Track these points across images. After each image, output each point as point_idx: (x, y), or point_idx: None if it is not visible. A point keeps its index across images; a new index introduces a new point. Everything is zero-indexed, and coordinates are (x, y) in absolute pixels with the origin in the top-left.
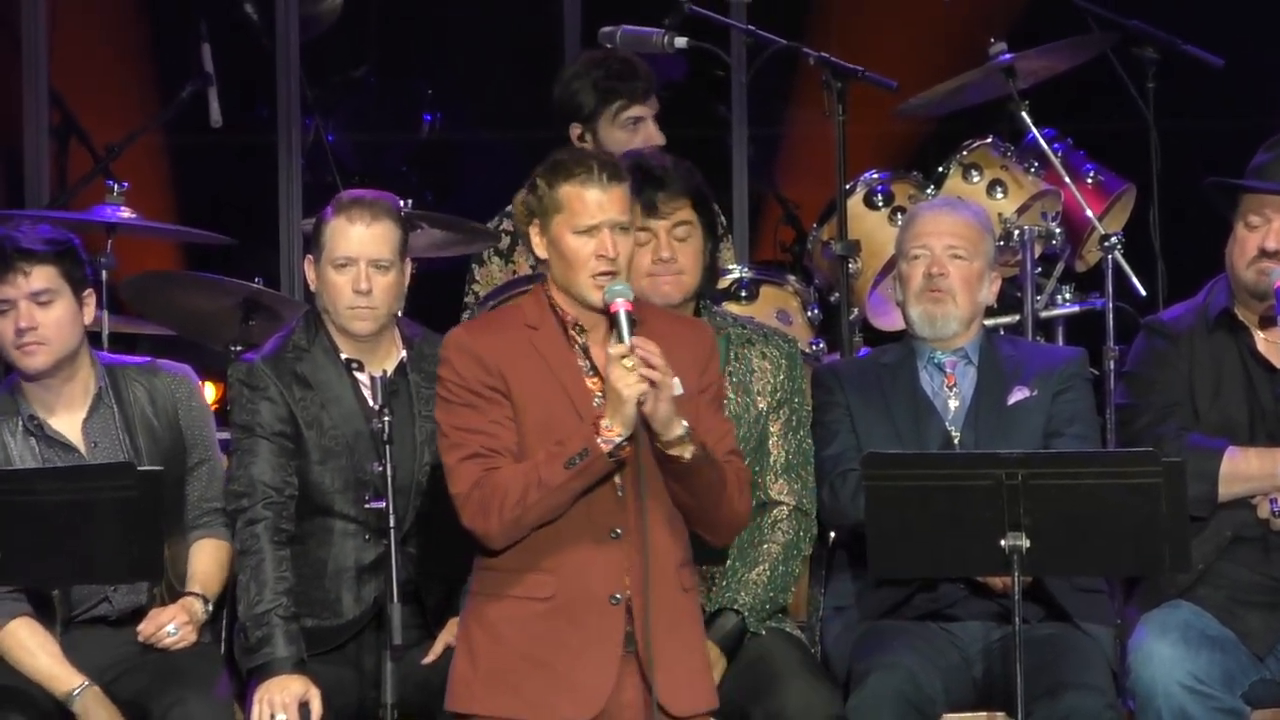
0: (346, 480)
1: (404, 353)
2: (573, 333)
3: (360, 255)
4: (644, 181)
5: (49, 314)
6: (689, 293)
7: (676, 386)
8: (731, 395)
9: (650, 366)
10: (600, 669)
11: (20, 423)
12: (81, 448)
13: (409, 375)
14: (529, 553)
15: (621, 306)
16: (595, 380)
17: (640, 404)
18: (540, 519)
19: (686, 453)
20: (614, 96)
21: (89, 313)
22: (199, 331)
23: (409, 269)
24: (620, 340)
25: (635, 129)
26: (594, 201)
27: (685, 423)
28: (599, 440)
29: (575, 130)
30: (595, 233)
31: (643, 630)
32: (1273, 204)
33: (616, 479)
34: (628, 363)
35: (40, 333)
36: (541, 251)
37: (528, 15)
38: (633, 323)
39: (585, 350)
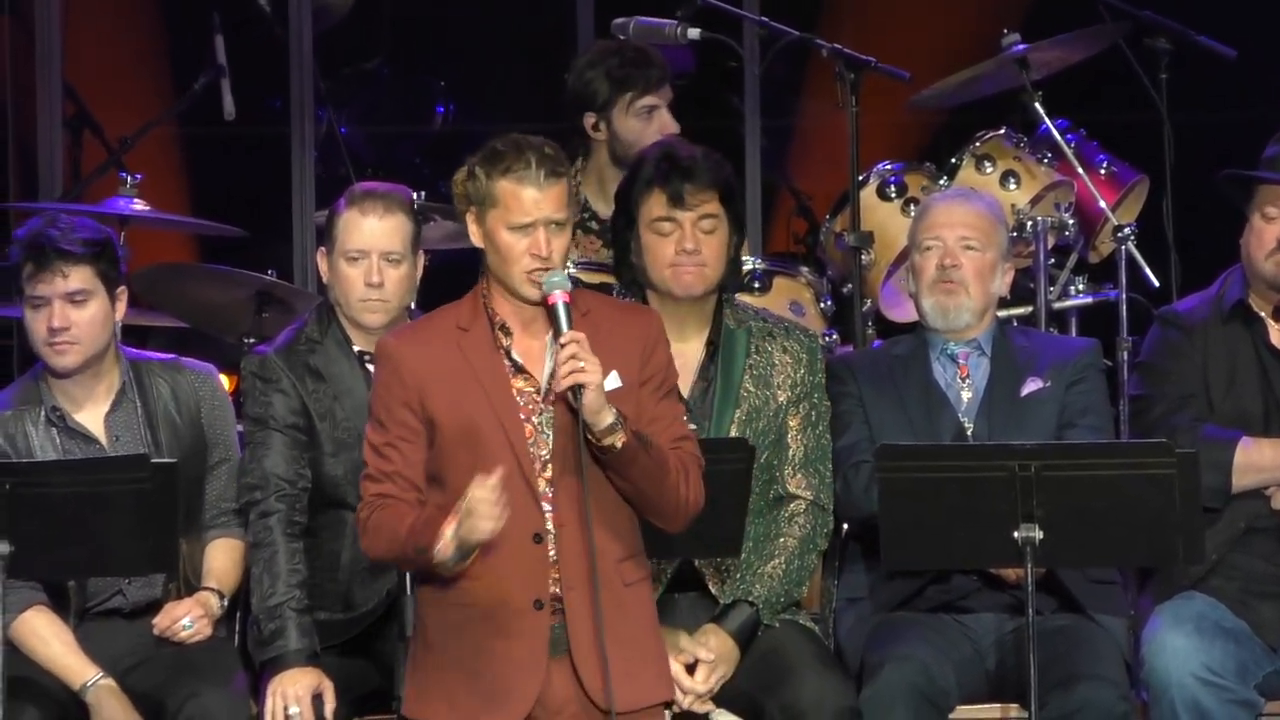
0: (359, 472)
1: None
2: (499, 334)
3: (372, 248)
4: (671, 172)
5: (82, 313)
6: (711, 285)
7: (614, 380)
8: (751, 388)
9: (579, 359)
10: (525, 675)
11: (43, 413)
12: (103, 440)
13: None
14: None
15: (560, 298)
16: (519, 380)
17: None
18: (414, 570)
19: (618, 441)
20: (628, 85)
21: (120, 309)
22: (212, 324)
23: (421, 262)
24: (560, 332)
25: (649, 118)
26: (530, 199)
27: (615, 411)
28: (435, 550)
29: (589, 119)
30: (530, 230)
31: (594, 630)
32: None
33: (543, 481)
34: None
35: (73, 332)
36: (477, 241)
37: (541, 7)
38: (570, 313)
39: (508, 352)
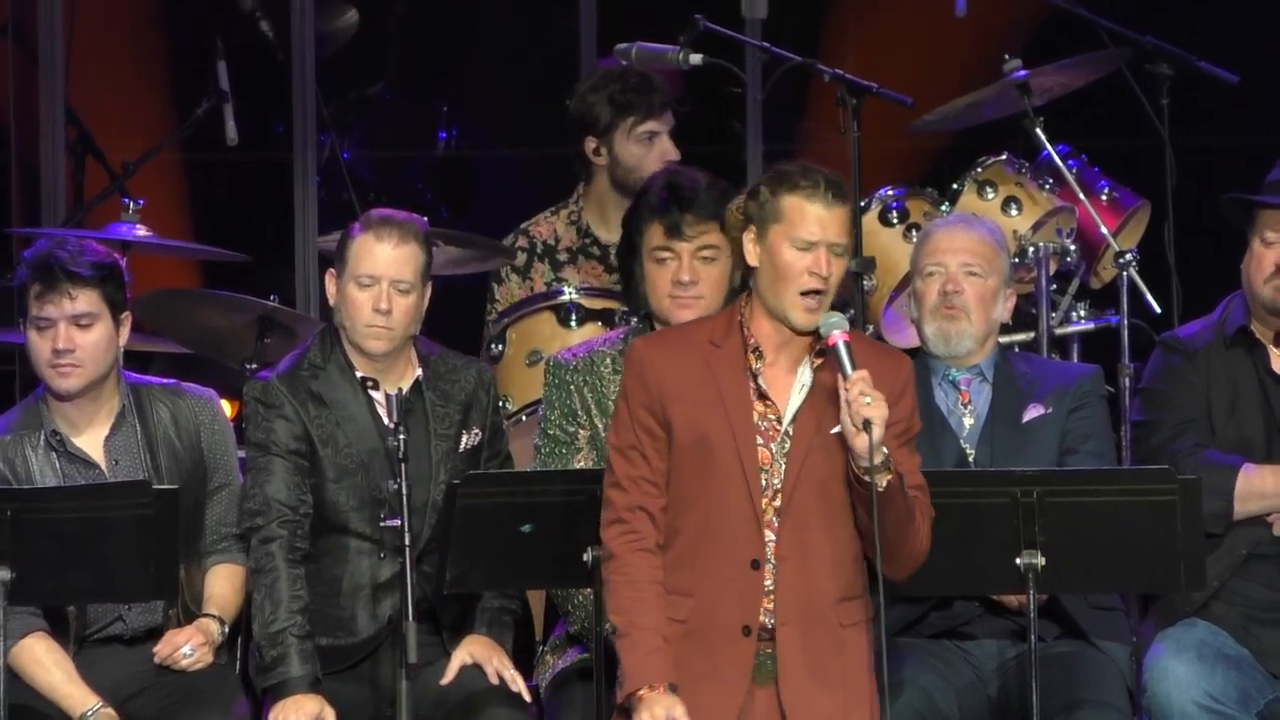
0: (362, 498)
1: (420, 371)
2: (750, 356)
3: (384, 275)
4: (670, 202)
5: (87, 336)
6: (709, 315)
7: None
8: None
9: (866, 395)
10: (723, 699)
11: (43, 437)
12: (103, 465)
13: (424, 393)
14: (676, 573)
15: (840, 338)
16: (760, 405)
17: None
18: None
19: (883, 481)
20: (630, 110)
21: (124, 334)
22: (214, 349)
23: (429, 292)
24: (845, 373)
25: (650, 144)
26: (816, 217)
27: (886, 450)
28: (635, 695)
29: (590, 144)
30: (812, 249)
31: (806, 666)
32: None
33: (764, 506)
34: None
35: (77, 355)
36: (753, 260)
37: (544, 32)
38: (851, 352)
39: (755, 375)
